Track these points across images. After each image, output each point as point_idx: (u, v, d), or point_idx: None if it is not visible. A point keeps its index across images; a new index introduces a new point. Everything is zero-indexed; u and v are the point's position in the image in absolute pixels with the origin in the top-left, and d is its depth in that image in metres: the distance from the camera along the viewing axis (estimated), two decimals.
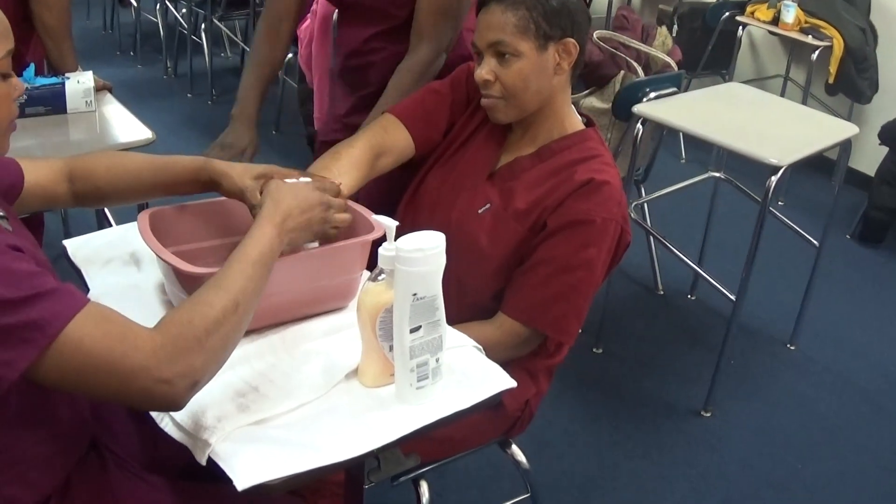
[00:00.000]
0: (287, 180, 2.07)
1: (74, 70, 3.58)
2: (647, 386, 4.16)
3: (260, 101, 2.99)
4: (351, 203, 2.26)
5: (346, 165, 2.39)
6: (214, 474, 1.71)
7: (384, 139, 2.54)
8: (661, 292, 4.96)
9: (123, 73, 7.91)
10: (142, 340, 1.61)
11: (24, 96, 3.28)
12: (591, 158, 2.40)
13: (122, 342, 1.59)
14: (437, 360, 1.87)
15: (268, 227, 1.87)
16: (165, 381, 1.58)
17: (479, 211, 2.46)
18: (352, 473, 2.05)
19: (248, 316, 1.75)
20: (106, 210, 3.63)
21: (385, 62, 3.04)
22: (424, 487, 2.42)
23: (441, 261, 1.79)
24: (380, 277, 1.86)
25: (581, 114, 2.55)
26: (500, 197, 2.46)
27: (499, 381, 1.98)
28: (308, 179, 2.11)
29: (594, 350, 4.30)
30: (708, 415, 3.96)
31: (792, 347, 4.55)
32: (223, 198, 2.23)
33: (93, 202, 2.24)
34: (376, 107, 2.90)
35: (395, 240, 1.82)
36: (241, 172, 2.10)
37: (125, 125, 3.41)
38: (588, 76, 4.44)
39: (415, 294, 1.78)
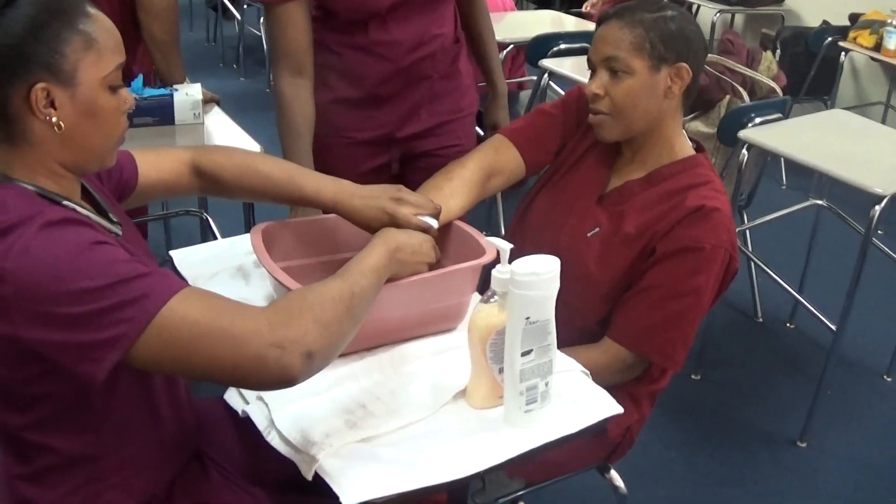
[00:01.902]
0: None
1: (182, 81, 3.61)
2: (743, 414, 4.11)
3: None
4: (462, 224, 2.27)
5: (458, 186, 2.40)
6: (316, 489, 1.72)
7: (495, 160, 2.55)
8: (761, 319, 4.89)
9: (227, 85, 7.99)
10: (251, 310, 1.64)
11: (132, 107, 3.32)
12: (701, 185, 2.38)
13: (230, 311, 1.61)
14: (546, 384, 1.86)
15: (382, 248, 1.92)
16: (278, 345, 1.58)
17: (588, 234, 2.45)
18: (455, 494, 2.05)
19: (361, 311, 1.76)
20: (211, 222, 3.65)
21: (442, 48, 3.01)
22: None
23: (555, 285, 1.78)
24: (492, 299, 1.85)
25: (691, 139, 2.53)
26: (609, 221, 2.45)
27: (606, 406, 1.97)
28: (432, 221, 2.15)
29: (692, 376, 4.28)
30: (804, 445, 3.91)
31: (889, 379, 4.47)
32: (332, 215, 2.25)
33: (217, 196, 2.26)
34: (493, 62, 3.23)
35: (510, 262, 1.81)
36: (371, 216, 2.14)
37: (233, 138, 3.42)
38: (694, 100, 4.41)
39: (528, 318, 1.77)
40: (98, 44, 1.66)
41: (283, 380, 1.62)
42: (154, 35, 3.55)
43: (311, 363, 1.63)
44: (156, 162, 2.13)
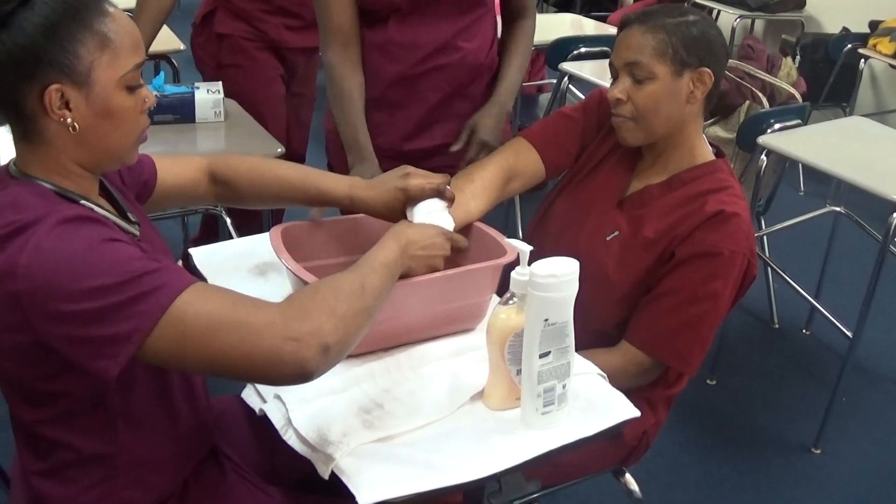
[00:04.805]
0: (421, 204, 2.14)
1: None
2: (758, 419, 4.11)
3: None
4: (482, 226, 2.28)
5: (479, 188, 2.41)
6: (332, 488, 1.72)
7: (516, 163, 2.55)
8: (777, 326, 4.88)
9: None
10: (265, 304, 1.63)
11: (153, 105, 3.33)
12: (721, 190, 2.38)
13: (245, 305, 1.61)
14: (563, 387, 1.87)
15: (393, 243, 1.91)
16: (294, 338, 1.57)
17: (607, 238, 2.45)
18: (471, 495, 2.05)
19: (374, 306, 1.75)
20: (229, 224, 3.65)
21: (463, 63, 2.94)
22: None
23: (574, 287, 1.79)
24: (511, 301, 1.86)
25: (711, 144, 2.53)
26: (628, 225, 2.45)
27: (623, 409, 1.97)
28: (444, 203, 2.16)
29: (708, 381, 4.27)
30: (818, 452, 3.90)
31: None
32: (353, 216, 2.25)
33: (232, 204, 2.28)
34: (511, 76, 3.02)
35: (529, 264, 1.81)
36: (386, 199, 2.17)
37: (253, 136, 3.44)
38: (714, 105, 4.41)
39: (546, 319, 1.77)
40: (114, 43, 1.64)
41: (300, 374, 1.61)
42: None
43: (328, 356, 1.62)
44: (172, 167, 2.14)
